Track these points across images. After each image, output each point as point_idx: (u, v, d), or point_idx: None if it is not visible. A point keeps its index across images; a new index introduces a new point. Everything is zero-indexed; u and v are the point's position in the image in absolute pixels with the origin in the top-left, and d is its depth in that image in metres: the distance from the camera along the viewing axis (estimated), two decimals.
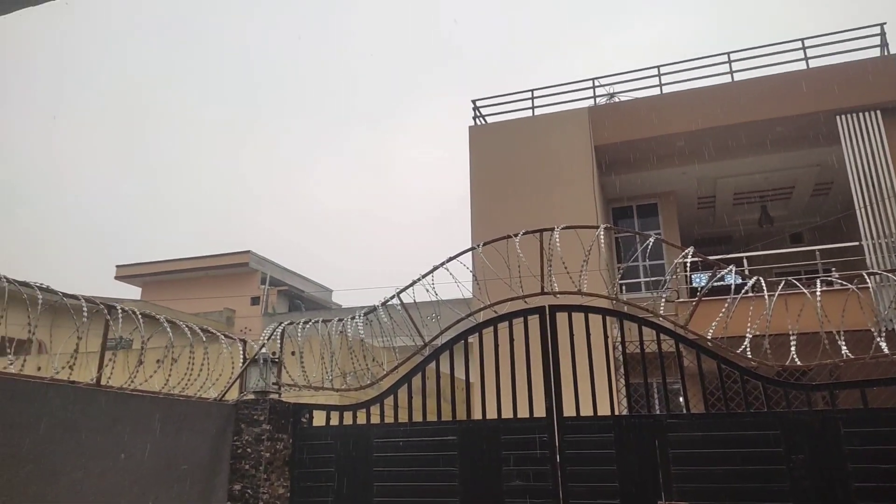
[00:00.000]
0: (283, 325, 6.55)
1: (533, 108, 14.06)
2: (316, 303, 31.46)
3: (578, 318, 5.57)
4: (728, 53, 12.92)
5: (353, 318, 6.40)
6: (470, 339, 6.03)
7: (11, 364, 4.53)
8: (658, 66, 13.41)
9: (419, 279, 6.28)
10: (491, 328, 5.81)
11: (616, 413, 5.47)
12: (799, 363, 5.16)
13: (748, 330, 5.42)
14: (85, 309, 4.70)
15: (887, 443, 4.46)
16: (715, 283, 5.89)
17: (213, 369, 5.99)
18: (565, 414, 5.35)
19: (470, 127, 14.00)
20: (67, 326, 4.94)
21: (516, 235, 6.31)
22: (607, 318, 5.68)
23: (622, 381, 9.05)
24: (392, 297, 6.35)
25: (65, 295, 4.66)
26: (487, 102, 14.53)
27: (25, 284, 4.36)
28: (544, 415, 5.36)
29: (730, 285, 5.77)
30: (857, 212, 11.26)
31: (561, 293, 5.93)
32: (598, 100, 13.94)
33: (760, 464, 4.70)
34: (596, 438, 5.15)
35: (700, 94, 12.90)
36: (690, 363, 5.37)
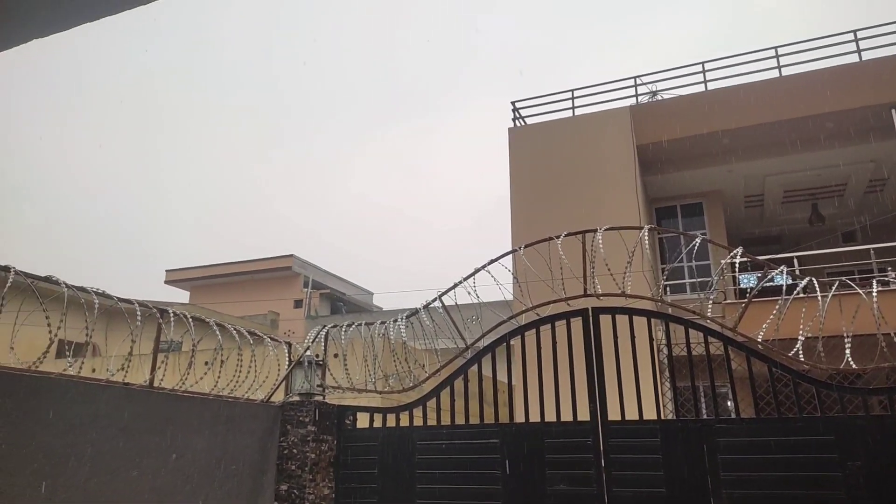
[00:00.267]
0: (326, 327, 6.64)
1: (573, 108, 13.93)
2: (357, 305, 31.82)
3: (622, 320, 5.49)
4: (775, 48, 12.56)
5: (395, 320, 6.45)
6: (512, 342, 6.01)
7: (70, 366, 4.72)
8: (702, 63, 13.13)
9: (461, 282, 6.29)
10: (533, 330, 5.78)
11: (662, 417, 5.37)
12: (854, 366, 4.97)
13: (800, 332, 5.26)
14: (139, 312, 4.86)
15: None
16: (764, 284, 5.73)
17: (259, 371, 6.12)
18: (610, 418, 5.28)
19: (509, 129, 13.95)
20: (121, 330, 5.12)
21: (558, 237, 6.26)
22: (652, 320, 5.58)
23: (667, 384, 8.88)
24: (434, 300, 6.37)
25: (119, 299, 4.84)
26: (527, 104, 14.46)
27: (83, 289, 4.53)
28: (588, 418, 5.30)
29: (779, 286, 5.60)
30: None
31: (604, 295, 5.86)
32: (639, 98, 13.73)
33: (814, 470, 4.55)
34: (642, 443, 5.07)
35: (746, 89, 12.56)
36: (739, 366, 5.23)
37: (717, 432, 4.89)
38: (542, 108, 14.38)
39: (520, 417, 5.77)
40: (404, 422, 5.97)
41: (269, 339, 6.49)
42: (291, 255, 29.23)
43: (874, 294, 5.05)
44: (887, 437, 4.45)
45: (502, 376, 6.08)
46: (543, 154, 13.47)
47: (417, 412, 5.98)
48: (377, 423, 6.09)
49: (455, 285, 6.31)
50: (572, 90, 13.98)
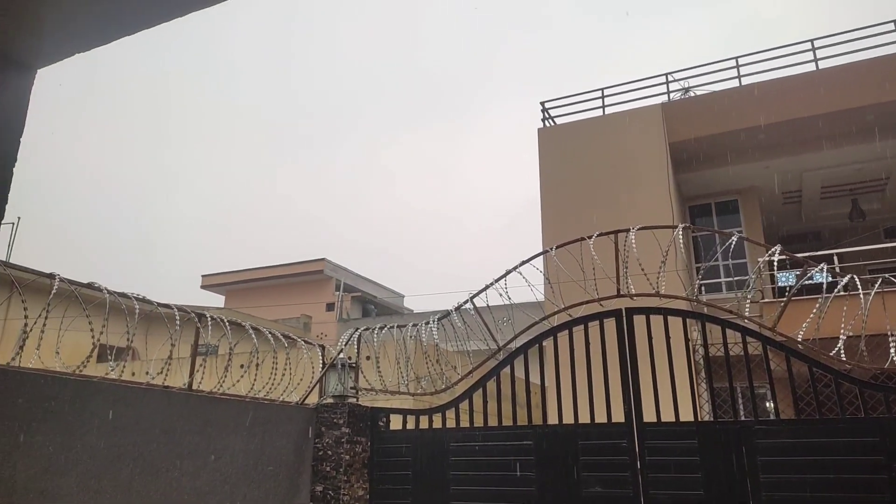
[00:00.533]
0: (359, 330, 6.70)
1: (603, 106, 13.80)
2: (388, 308, 31.99)
3: (657, 320, 5.42)
4: (811, 41, 12.27)
5: (427, 322, 6.47)
6: (544, 343, 5.98)
7: (112, 370, 4.86)
8: (736, 58, 12.89)
9: (492, 283, 6.29)
10: (566, 332, 5.74)
11: (699, 419, 5.28)
12: None
13: (842, 331, 5.12)
14: (177, 317, 4.97)
15: None
16: (804, 283, 5.60)
17: (294, 374, 6.20)
18: (645, 419, 5.21)
19: (539, 129, 13.88)
20: (160, 334, 5.25)
21: (590, 237, 6.21)
22: (687, 320, 5.50)
23: (703, 385, 8.73)
24: (466, 302, 6.38)
25: (159, 304, 4.96)
26: (556, 104, 14.38)
27: (124, 295, 4.66)
28: (623, 420, 5.25)
29: (819, 284, 5.47)
30: None
31: (638, 295, 5.79)
32: (671, 95, 13.54)
33: (858, 473, 4.43)
34: (679, 445, 5.00)
35: (782, 84, 12.29)
36: (777, 366, 5.12)
37: (757, 434, 4.79)
38: (572, 108, 14.29)
39: (553, 419, 5.73)
40: (437, 424, 5.99)
41: (302, 343, 6.57)
42: (323, 259, 29.55)
43: None
44: None
45: (535, 378, 6.06)
46: (573, 154, 13.38)
47: (450, 414, 5.99)
48: (410, 425, 6.11)
49: (487, 287, 6.31)
50: (602, 89, 13.87)
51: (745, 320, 5.49)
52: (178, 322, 4.95)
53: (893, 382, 5.15)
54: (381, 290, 32.89)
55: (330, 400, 6.18)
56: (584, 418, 5.41)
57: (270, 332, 6.14)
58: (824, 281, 5.39)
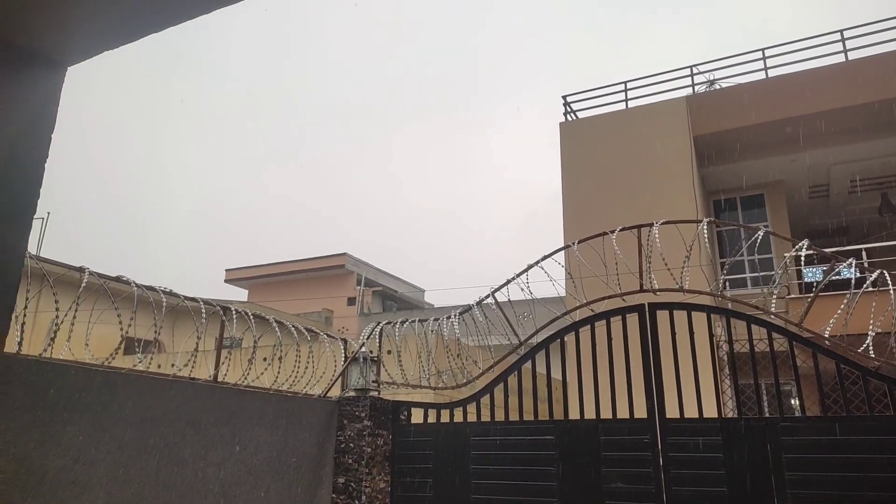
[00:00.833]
0: (380, 324, 6.74)
1: (626, 100, 13.67)
2: (409, 303, 32.11)
3: (680, 315, 5.37)
4: (841, 31, 12.01)
5: (448, 317, 6.49)
6: (566, 339, 5.96)
7: (140, 362, 4.95)
8: (762, 49, 12.67)
9: (514, 278, 6.28)
10: (588, 327, 5.72)
11: (723, 415, 5.23)
12: None
13: (871, 327, 5.03)
14: (203, 310, 5.05)
15: None
16: (831, 278, 5.50)
17: (316, 367, 6.26)
18: (668, 415, 5.18)
19: (560, 123, 13.80)
20: (185, 327, 5.34)
21: (612, 232, 6.17)
22: (712, 315, 5.44)
23: (727, 381, 8.63)
24: (487, 296, 6.38)
25: (185, 298, 5.03)
26: (578, 97, 14.27)
27: (151, 289, 4.74)
28: (645, 416, 5.21)
29: (847, 280, 5.37)
30: None
31: (661, 290, 5.74)
32: (696, 88, 13.35)
33: (886, 471, 4.35)
34: (702, 441, 4.95)
35: (810, 75, 12.06)
36: (804, 363, 5.04)
37: (782, 430, 4.73)
38: (594, 102, 14.18)
39: (574, 415, 5.72)
40: (458, 418, 6.01)
41: (325, 336, 6.63)
42: (345, 254, 29.74)
43: None
44: None
45: (556, 373, 6.04)
46: (596, 148, 13.28)
47: (471, 408, 6.00)
48: (431, 419, 6.14)
49: (508, 281, 6.31)
50: (625, 82, 13.73)
51: (771, 316, 5.42)
52: (203, 315, 5.02)
53: None
54: (401, 284, 33.02)
55: (352, 393, 6.23)
56: (606, 413, 5.39)
57: (294, 326, 6.20)
58: (853, 276, 5.29)
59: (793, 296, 10.82)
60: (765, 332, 5.15)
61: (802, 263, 5.55)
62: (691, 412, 5.16)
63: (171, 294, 4.87)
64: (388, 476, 6.00)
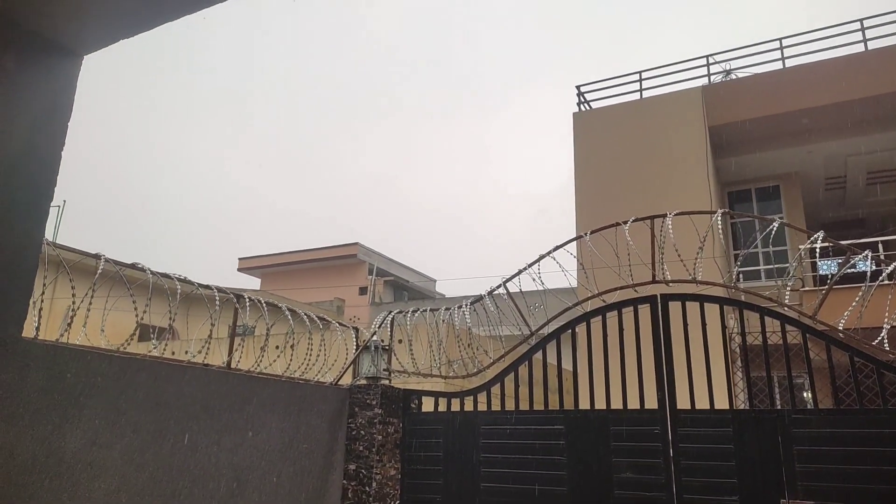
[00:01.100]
0: (392, 313, 6.77)
1: (641, 90, 13.56)
2: (420, 292, 32.19)
3: (693, 307, 5.35)
4: (861, 20, 11.81)
5: (459, 307, 6.51)
6: (577, 329, 5.96)
7: (154, 349, 5.01)
8: (780, 39, 12.50)
9: (525, 268, 6.27)
10: (599, 317, 5.71)
11: (734, 407, 5.22)
12: None
13: (886, 320, 4.98)
14: (217, 298, 5.09)
15: None
16: (846, 271, 5.45)
17: (328, 355, 6.31)
18: (679, 407, 5.17)
19: (574, 113, 13.72)
20: (199, 315, 5.39)
21: (625, 223, 6.15)
22: (725, 307, 5.41)
23: (739, 373, 8.59)
24: (498, 286, 6.39)
25: (199, 285, 5.08)
26: (592, 87, 14.18)
27: (166, 276, 4.79)
28: (656, 407, 5.21)
29: (862, 272, 5.32)
30: None
31: (674, 281, 5.72)
32: (712, 78, 13.21)
33: None
34: (713, 433, 4.95)
35: (828, 65, 11.89)
36: (817, 356, 5.01)
37: (793, 422, 4.71)
38: (609, 92, 14.08)
39: (585, 405, 5.73)
40: (468, 407, 6.04)
41: (337, 325, 6.67)
42: (357, 243, 29.84)
43: None
44: None
45: (567, 364, 6.04)
46: (609, 139, 13.20)
47: (481, 398, 6.03)
48: (441, 408, 6.18)
49: (520, 272, 6.31)
50: (640, 72, 13.62)
51: (785, 308, 5.38)
52: (217, 303, 5.07)
53: None
54: (413, 274, 33.09)
55: (363, 381, 6.27)
56: (617, 405, 5.39)
57: (306, 314, 6.25)
58: (868, 269, 5.24)
59: (807, 288, 10.73)
60: (778, 324, 5.12)
61: (817, 256, 5.50)
62: (702, 404, 5.15)
63: (185, 281, 4.92)
64: (399, 463, 6.05)
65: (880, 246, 10.73)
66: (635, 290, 5.67)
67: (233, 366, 5.13)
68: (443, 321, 6.59)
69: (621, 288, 5.85)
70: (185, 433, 4.24)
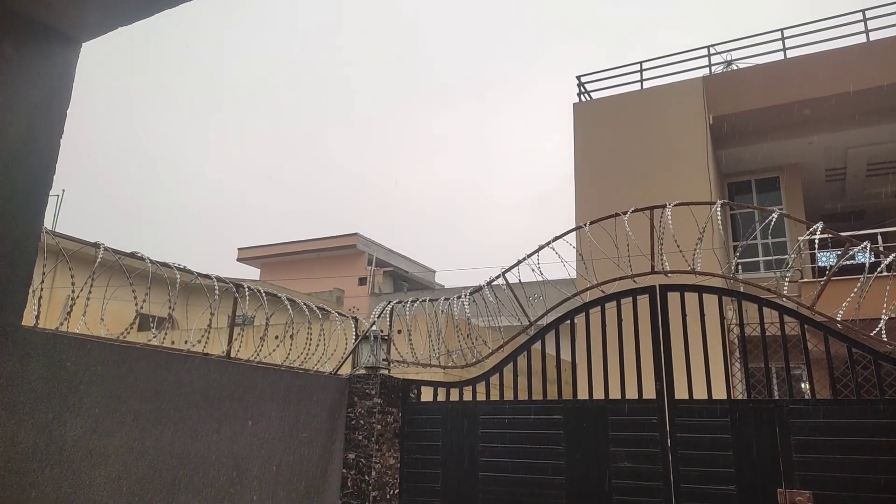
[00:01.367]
0: (391, 303, 6.78)
1: (641, 80, 13.52)
2: (419, 283, 32.22)
3: (691, 298, 5.36)
4: (863, 11, 11.76)
5: (458, 297, 6.51)
6: (576, 320, 5.97)
7: (154, 338, 5.02)
8: (781, 30, 12.45)
9: (524, 258, 6.28)
10: (598, 308, 5.72)
11: (732, 398, 5.24)
12: None
13: (884, 311, 5.00)
14: (216, 287, 5.10)
15: None
16: (845, 262, 5.46)
17: (327, 345, 6.33)
18: (677, 397, 5.19)
19: (574, 104, 13.68)
20: (198, 305, 5.40)
21: (625, 213, 6.14)
22: (723, 298, 5.42)
23: (738, 364, 8.62)
24: (497, 277, 6.39)
25: (199, 274, 5.09)
26: (592, 78, 14.13)
27: (165, 265, 4.79)
28: (654, 397, 5.23)
29: (861, 264, 5.32)
30: None
31: (673, 272, 5.73)
32: (713, 69, 13.17)
33: None
34: (710, 423, 4.97)
35: (830, 56, 11.85)
36: (815, 347, 5.03)
37: (791, 413, 4.73)
38: (609, 83, 14.03)
39: (583, 395, 5.75)
40: (467, 397, 6.06)
41: (336, 315, 6.68)
42: (356, 234, 29.83)
43: None
44: None
45: (566, 355, 6.06)
46: (609, 129, 13.17)
47: (480, 388, 6.05)
48: (440, 398, 6.20)
49: (519, 262, 6.31)
50: (640, 62, 13.58)
51: (784, 299, 5.39)
52: (217, 292, 5.08)
53: None
54: (412, 264, 33.10)
55: (362, 371, 6.29)
56: (615, 394, 5.41)
57: (305, 304, 6.26)
58: (867, 260, 5.25)
59: (806, 279, 10.75)
60: (776, 315, 5.13)
61: (816, 247, 5.51)
62: (701, 394, 5.17)
63: (184, 271, 4.92)
64: (398, 453, 6.08)
65: (879, 237, 10.75)
66: (634, 281, 5.68)
67: (232, 355, 5.14)
68: (442, 311, 6.61)
69: (620, 279, 5.86)
70: (186, 421, 4.25)
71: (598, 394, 5.50)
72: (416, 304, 6.71)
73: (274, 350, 5.73)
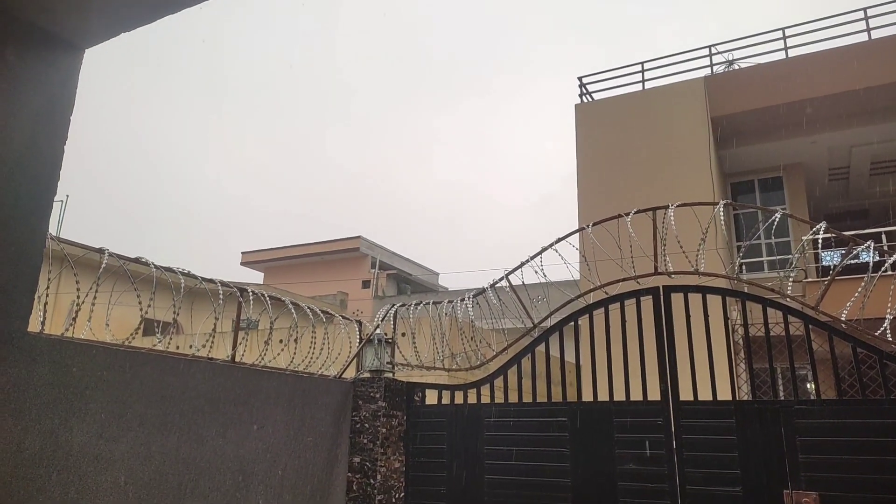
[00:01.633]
0: (395, 307, 6.78)
1: (643, 81, 13.52)
2: (423, 286, 32.21)
3: (695, 298, 5.35)
4: (864, 9, 11.74)
5: (462, 300, 6.51)
6: (580, 321, 5.96)
7: (159, 342, 5.03)
8: (783, 29, 12.44)
9: (528, 260, 6.28)
10: (601, 309, 5.71)
11: (737, 398, 5.22)
12: None
13: (888, 311, 4.98)
14: (221, 292, 5.11)
15: None
16: (849, 262, 5.44)
17: (332, 349, 6.33)
18: (681, 398, 5.18)
19: (576, 105, 13.69)
20: (202, 309, 5.41)
21: (627, 214, 6.14)
22: (727, 298, 5.41)
23: (742, 365, 8.60)
24: (501, 279, 6.39)
25: (203, 279, 5.10)
26: (594, 79, 14.13)
27: (170, 270, 4.80)
28: (659, 398, 5.22)
29: (865, 263, 5.31)
30: None
31: (676, 273, 5.72)
32: (715, 69, 13.16)
33: None
34: (715, 424, 4.96)
35: (832, 55, 11.83)
36: (819, 347, 5.01)
37: (796, 413, 4.72)
38: (611, 83, 14.03)
39: (588, 397, 5.74)
40: (472, 399, 6.06)
41: (340, 318, 6.69)
42: (359, 237, 29.84)
43: None
44: None
45: (570, 357, 6.05)
46: (612, 130, 13.16)
47: (485, 390, 6.04)
48: (445, 401, 6.19)
49: (522, 264, 6.31)
50: (642, 62, 13.58)
51: (788, 299, 5.38)
52: (221, 297, 5.09)
53: None
54: (416, 267, 33.10)
55: (367, 374, 6.29)
56: (620, 396, 5.40)
57: (309, 308, 6.26)
58: (871, 260, 5.23)
59: (810, 279, 10.73)
60: (780, 315, 5.12)
61: (820, 246, 5.49)
62: (705, 395, 5.16)
63: (189, 275, 4.93)
64: (403, 456, 6.08)
65: (883, 236, 10.71)
66: (638, 282, 5.67)
67: (237, 359, 5.15)
68: (446, 314, 6.61)
69: (624, 280, 5.85)
70: (191, 426, 4.26)
71: (603, 396, 5.49)
72: (419, 307, 6.72)
73: (278, 354, 5.74)
